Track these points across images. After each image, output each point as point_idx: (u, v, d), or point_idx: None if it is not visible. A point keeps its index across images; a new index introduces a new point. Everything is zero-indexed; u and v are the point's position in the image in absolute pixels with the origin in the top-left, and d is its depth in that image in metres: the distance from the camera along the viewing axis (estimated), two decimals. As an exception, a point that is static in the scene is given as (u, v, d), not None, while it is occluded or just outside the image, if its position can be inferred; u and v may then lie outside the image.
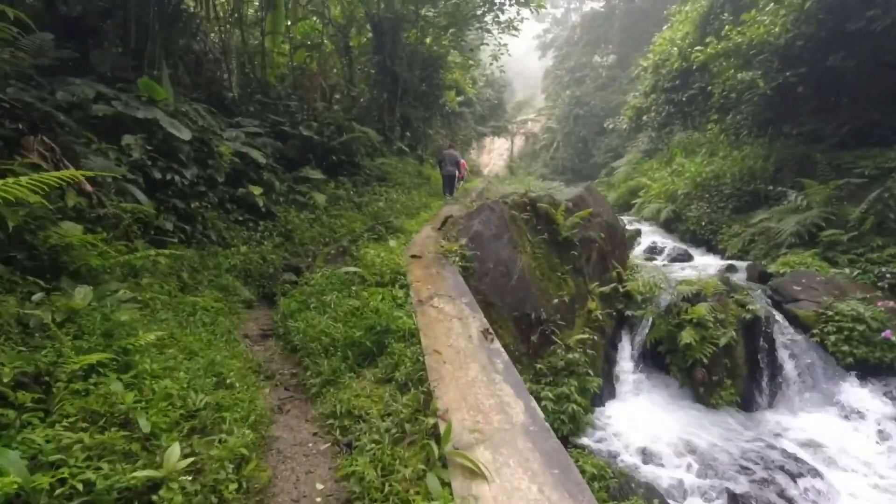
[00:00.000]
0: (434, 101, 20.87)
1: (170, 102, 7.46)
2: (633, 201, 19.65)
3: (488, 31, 18.20)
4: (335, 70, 15.71)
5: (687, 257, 13.38)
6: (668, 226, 15.36)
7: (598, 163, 47.22)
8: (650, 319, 7.09)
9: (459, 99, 24.79)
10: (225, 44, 10.93)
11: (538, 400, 4.99)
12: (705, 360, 6.10)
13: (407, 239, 7.33)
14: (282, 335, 5.01)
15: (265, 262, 7.56)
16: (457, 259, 5.88)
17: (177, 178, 6.56)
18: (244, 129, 9.70)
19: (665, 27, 23.83)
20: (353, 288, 5.32)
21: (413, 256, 6.04)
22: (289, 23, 14.10)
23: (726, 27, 13.42)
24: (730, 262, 12.02)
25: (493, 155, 61.69)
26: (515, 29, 18.07)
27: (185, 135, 6.83)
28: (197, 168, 7.27)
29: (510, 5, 15.90)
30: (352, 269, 5.49)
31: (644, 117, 22.26)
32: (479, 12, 16.77)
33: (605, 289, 7.42)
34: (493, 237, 6.45)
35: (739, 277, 11.04)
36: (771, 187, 13.55)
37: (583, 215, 7.17)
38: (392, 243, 6.43)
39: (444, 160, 14.23)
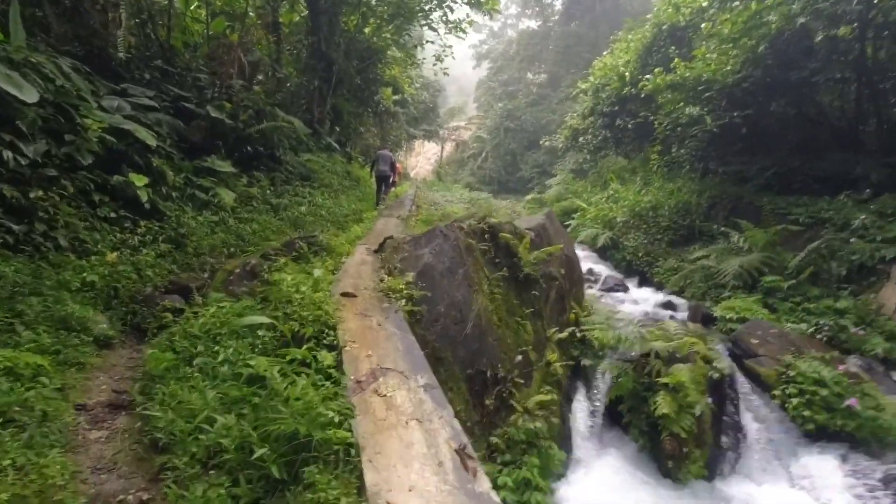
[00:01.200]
0: (369, 97, 19.34)
1: (14, 47, 5.40)
2: (567, 222, 19.40)
3: (434, 29, 17.02)
4: (259, 45, 13.66)
5: (623, 287, 13.02)
6: (603, 252, 15.10)
7: (525, 177, 47.96)
8: (613, 374, 6.21)
9: (396, 97, 23.37)
10: (115, -10, 8.71)
11: (495, 487, 3.79)
12: (683, 434, 5.28)
13: (336, 263, 5.86)
14: (141, 411, 3.35)
15: (141, 277, 5.69)
16: (403, 302, 4.54)
17: (7, 154, 4.59)
18: (132, 99, 7.64)
19: (605, 53, 24.15)
20: (259, 340, 3.80)
21: (345, 295, 4.60)
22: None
23: (676, 60, 13.32)
24: (668, 297, 11.78)
25: (421, 158, 60.78)
26: (463, 31, 17.08)
27: (29, 95, 4.86)
28: (46, 144, 5.28)
29: (461, 5, 14.82)
30: (258, 318, 3.93)
31: (580, 139, 22.26)
32: (427, 7, 15.54)
33: (564, 334, 6.45)
34: (447, 272, 5.19)
35: (679, 316, 10.76)
36: (705, 223, 13.69)
37: (551, 251, 6.15)
38: (317, 272, 4.92)
39: (378, 160, 13.53)
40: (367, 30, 16.39)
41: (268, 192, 8.95)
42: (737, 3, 10.99)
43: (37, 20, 8.25)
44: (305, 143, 11.22)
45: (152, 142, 6.82)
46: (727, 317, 9.25)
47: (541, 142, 29.70)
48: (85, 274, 4.98)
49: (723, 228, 12.75)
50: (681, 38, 17.46)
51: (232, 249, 7.09)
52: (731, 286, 10.19)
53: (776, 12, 9.89)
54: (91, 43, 8.62)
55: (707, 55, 12.40)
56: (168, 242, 6.44)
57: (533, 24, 65.64)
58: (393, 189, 16.78)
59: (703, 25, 15.97)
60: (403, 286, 4.73)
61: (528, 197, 31.31)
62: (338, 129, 16.09)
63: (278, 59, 13.73)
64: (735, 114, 11.53)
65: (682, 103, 12.97)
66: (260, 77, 13.06)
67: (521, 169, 49.27)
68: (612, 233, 14.84)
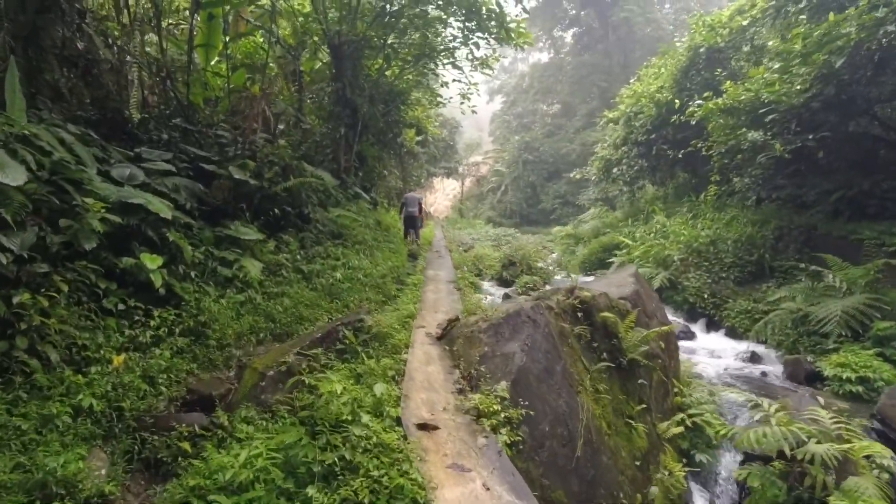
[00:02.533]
0: (392, 139, 18.62)
1: (4, 119, 4.53)
2: (609, 259, 18.08)
3: (458, 67, 16.32)
4: (282, 96, 13.02)
5: (689, 334, 11.57)
6: (660, 294, 13.68)
7: (547, 209, 46.99)
8: (752, 482, 4.80)
9: (419, 138, 22.74)
10: (125, 47, 8.05)
11: None
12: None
13: (394, 361, 4.69)
14: None
15: (153, 387, 4.59)
16: (503, 434, 3.32)
17: (-16, 256, 3.60)
18: (147, 164, 6.78)
19: (632, 80, 23.31)
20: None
21: (423, 427, 3.41)
22: (227, 39, 11.36)
23: (727, 83, 12.22)
24: (750, 347, 10.28)
25: (439, 195, 60.50)
26: (491, 68, 16.35)
27: (14, 176, 3.91)
28: (39, 231, 4.31)
29: (488, 40, 14.08)
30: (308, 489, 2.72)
31: (615, 169, 21.13)
32: (451, 45, 14.86)
33: (678, 429, 5.10)
34: (544, 373, 3.98)
35: (772, 371, 9.26)
36: (776, 259, 12.25)
37: (663, 332, 4.89)
38: (378, 388, 3.70)
39: (406, 203, 13.90)
40: (388, 73, 15.78)
41: (297, 256, 7.92)
42: (803, 16, 9.94)
43: (47, 84, 7.58)
44: (333, 196, 10.29)
45: (168, 213, 5.86)
46: (843, 376, 7.74)
47: (571, 174, 28.59)
48: (81, 397, 3.88)
49: (802, 265, 11.32)
50: (720, 59, 16.47)
51: (261, 335, 5.99)
52: (836, 335, 8.68)
53: (857, 23, 8.76)
54: (105, 106, 7.91)
55: (768, 74, 11.26)
56: (186, 335, 5.37)
57: (544, 56, 66.29)
58: (422, 228, 16.61)
59: (747, 46, 14.99)
60: (497, 405, 3.51)
61: (558, 230, 30.04)
62: (360, 174, 15.29)
63: (300, 108, 13.05)
64: (810, 136, 10.26)
65: (743, 129, 11.76)
66: (282, 127, 12.36)
67: (543, 200, 48.44)
68: (668, 272, 13.44)
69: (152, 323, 5.18)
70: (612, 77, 48.45)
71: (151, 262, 5.37)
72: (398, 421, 3.44)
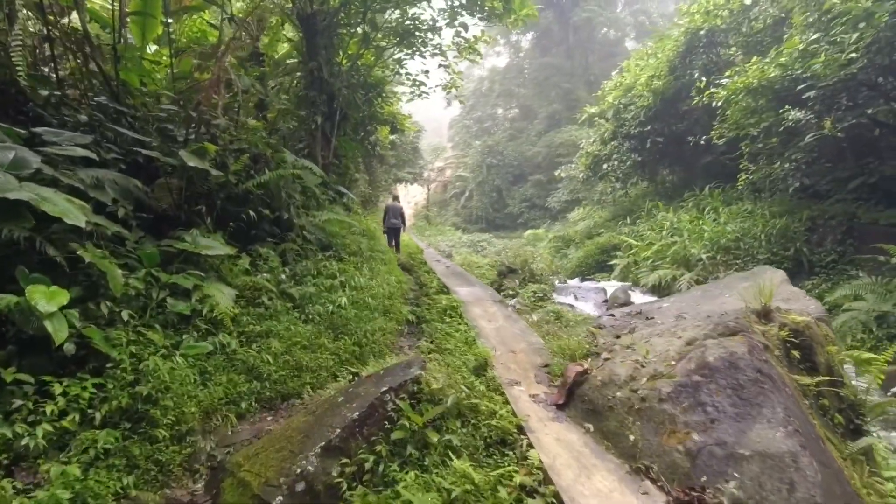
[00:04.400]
0: (364, 138, 16.49)
1: None
2: (611, 262, 16.61)
3: (442, 53, 14.42)
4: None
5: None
6: (685, 298, 12.20)
7: (514, 212, 45.96)
8: None
9: (392, 137, 20.66)
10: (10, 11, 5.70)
11: None
12: None
13: (511, 465, 2.65)
14: None
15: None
16: None
17: None
18: (52, 148, 4.46)
19: (614, 73, 22.18)
20: None
21: None
22: (169, 18, 8.91)
23: (753, 59, 10.92)
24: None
25: (403, 202, 58.47)
26: (479, 53, 14.54)
27: None
28: None
29: (483, 15, 12.28)
30: None
31: (605, 165, 19.77)
32: (438, 25, 12.95)
33: None
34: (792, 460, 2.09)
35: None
36: (816, 253, 11.01)
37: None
38: None
39: (388, 213, 13.05)
40: (361, 60, 13.68)
41: (282, 276, 5.72)
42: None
43: None
44: (315, 197, 8.10)
45: (81, 219, 3.61)
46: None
47: (556, 173, 27.16)
48: None
49: (850, 258, 10.10)
50: (720, 43, 15.41)
51: (243, 404, 3.81)
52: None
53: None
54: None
55: (803, 46, 9.99)
56: (116, 422, 3.14)
57: (501, 61, 65.70)
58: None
59: (746, 27, 13.92)
60: None
61: (530, 233, 28.63)
62: (335, 175, 13.09)
63: (265, 94, 10.74)
64: (869, 111, 8.98)
65: (771, 110, 10.43)
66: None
67: (509, 204, 47.42)
68: (694, 273, 11.98)
69: (50, 409, 2.93)
70: (575, 78, 48.12)
71: (47, 299, 3.11)
72: None
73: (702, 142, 15.46)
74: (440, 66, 14.10)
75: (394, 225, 13.22)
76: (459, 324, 5.22)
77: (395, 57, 14.12)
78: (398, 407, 2.94)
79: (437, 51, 14.07)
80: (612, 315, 4.95)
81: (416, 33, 12.92)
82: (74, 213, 3.64)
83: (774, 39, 14.22)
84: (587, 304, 12.92)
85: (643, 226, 16.73)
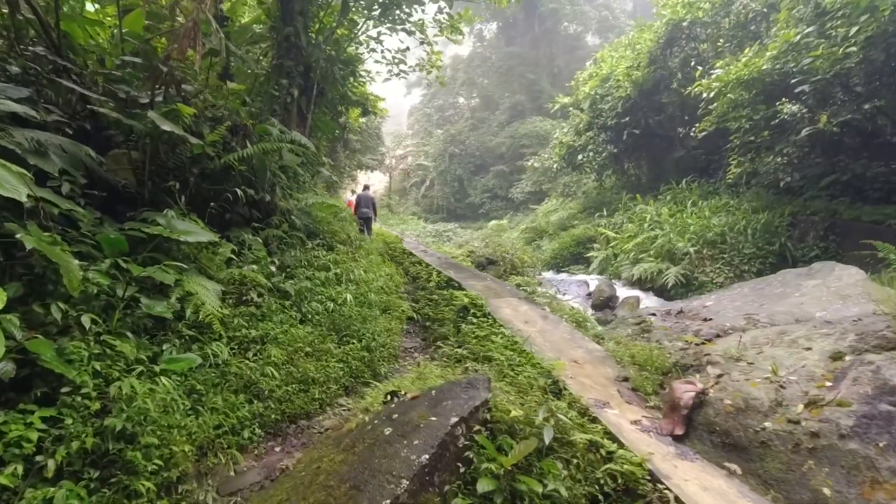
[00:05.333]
0: (335, 118, 15.41)
1: None
2: (587, 254, 16.38)
3: (422, 30, 13.53)
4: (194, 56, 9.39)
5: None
6: (671, 293, 12.02)
7: (475, 203, 45.69)
8: None
9: (363, 120, 19.56)
10: None
11: None
12: None
13: None
14: None
15: None
16: None
17: None
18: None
19: (589, 63, 21.97)
20: None
21: None
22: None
23: (745, 51, 10.77)
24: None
25: (359, 190, 57.03)
26: (460, 32, 13.77)
27: None
28: None
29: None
30: None
31: (580, 156, 19.51)
32: (420, -3, 12.06)
33: None
34: None
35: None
36: (798, 248, 11.06)
37: None
38: None
39: (359, 203, 12.89)
40: (335, 36, 12.60)
41: (271, 268, 4.84)
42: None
43: None
44: (297, 177, 7.15)
45: (21, 192, 2.66)
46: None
47: (529, 162, 26.79)
48: None
49: (840, 252, 10.19)
50: (701, 35, 15.34)
51: (246, 433, 2.98)
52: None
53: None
54: None
55: (798, 38, 9.88)
56: (82, 473, 2.27)
57: (462, 51, 64.90)
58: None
59: (728, 20, 13.89)
60: None
61: (494, 224, 28.30)
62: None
63: (228, 62, 9.56)
64: (867, 107, 8.95)
65: (766, 103, 10.32)
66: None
67: (471, 195, 47.08)
68: (680, 267, 11.82)
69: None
70: (539, 69, 48.08)
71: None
72: None
73: (680, 134, 15.43)
74: (421, 42, 13.22)
75: (365, 214, 12.84)
76: (492, 325, 4.51)
77: (372, 32, 13.11)
78: (473, 443, 2.25)
79: (414, 28, 13.21)
80: (654, 315, 4.41)
81: (398, 4, 11.97)
82: (11, 183, 2.68)
83: (751, 34, 14.30)
84: (571, 297, 12.58)
85: (620, 218, 16.58)
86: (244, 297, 4.19)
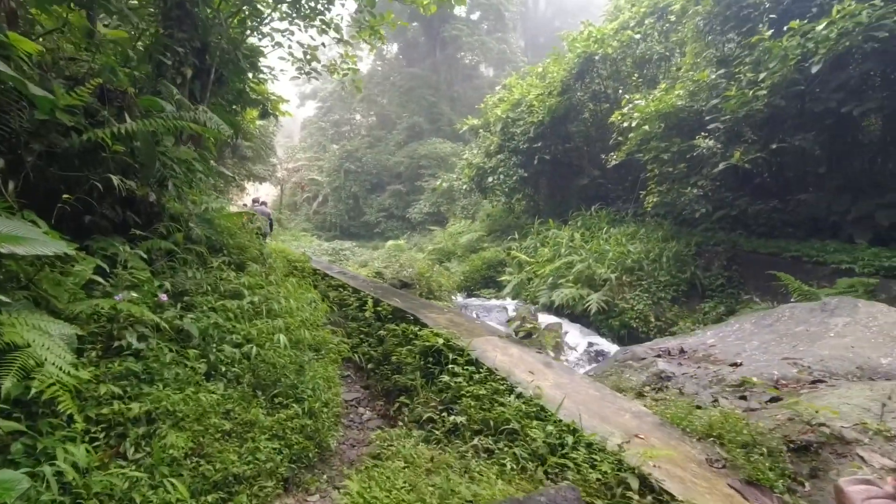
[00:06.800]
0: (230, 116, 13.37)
1: None
2: (499, 278, 16.02)
3: (337, 29, 12.29)
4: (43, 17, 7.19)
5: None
6: (584, 319, 11.89)
7: (371, 221, 44.64)
8: None
9: (261, 124, 17.48)
10: None
11: None
12: None
13: None
14: None
15: None
16: None
17: None
18: None
19: (498, 88, 22.26)
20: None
21: None
22: None
23: (661, 85, 11.25)
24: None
25: (249, 202, 52.72)
26: (381, 37, 12.73)
27: None
28: None
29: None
30: None
31: (490, 179, 19.37)
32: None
33: None
34: None
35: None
36: (706, 276, 11.59)
37: None
38: None
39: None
40: (234, 21, 10.86)
41: (160, 296, 3.29)
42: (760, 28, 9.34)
43: None
44: (196, 173, 5.49)
45: None
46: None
47: (438, 182, 26.14)
48: None
49: (735, 283, 10.82)
50: (611, 70, 16.11)
51: None
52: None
53: (838, 28, 8.22)
54: None
55: (712, 79, 10.48)
56: None
57: (363, 67, 63.91)
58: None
59: (630, 59, 14.70)
60: None
61: (392, 244, 27.37)
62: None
63: (91, 32, 7.49)
64: (774, 146, 9.61)
65: (680, 136, 10.80)
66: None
67: (366, 213, 45.91)
68: (601, 293, 11.77)
69: None
70: (440, 93, 48.79)
71: None
72: None
73: (587, 163, 15.91)
74: (339, 41, 11.95)
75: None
76: (488, 378, 3.36)
77: (277, 25, 11.53)
78: None
79: (326, 27, 11.97)
80: (659, 355, 3.70)
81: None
82: None
83: (652, 74, 15.34)
84: (491, 324, 11.94)
85: (532, 241, 16.54)
86: (116, 344, 2.66)
